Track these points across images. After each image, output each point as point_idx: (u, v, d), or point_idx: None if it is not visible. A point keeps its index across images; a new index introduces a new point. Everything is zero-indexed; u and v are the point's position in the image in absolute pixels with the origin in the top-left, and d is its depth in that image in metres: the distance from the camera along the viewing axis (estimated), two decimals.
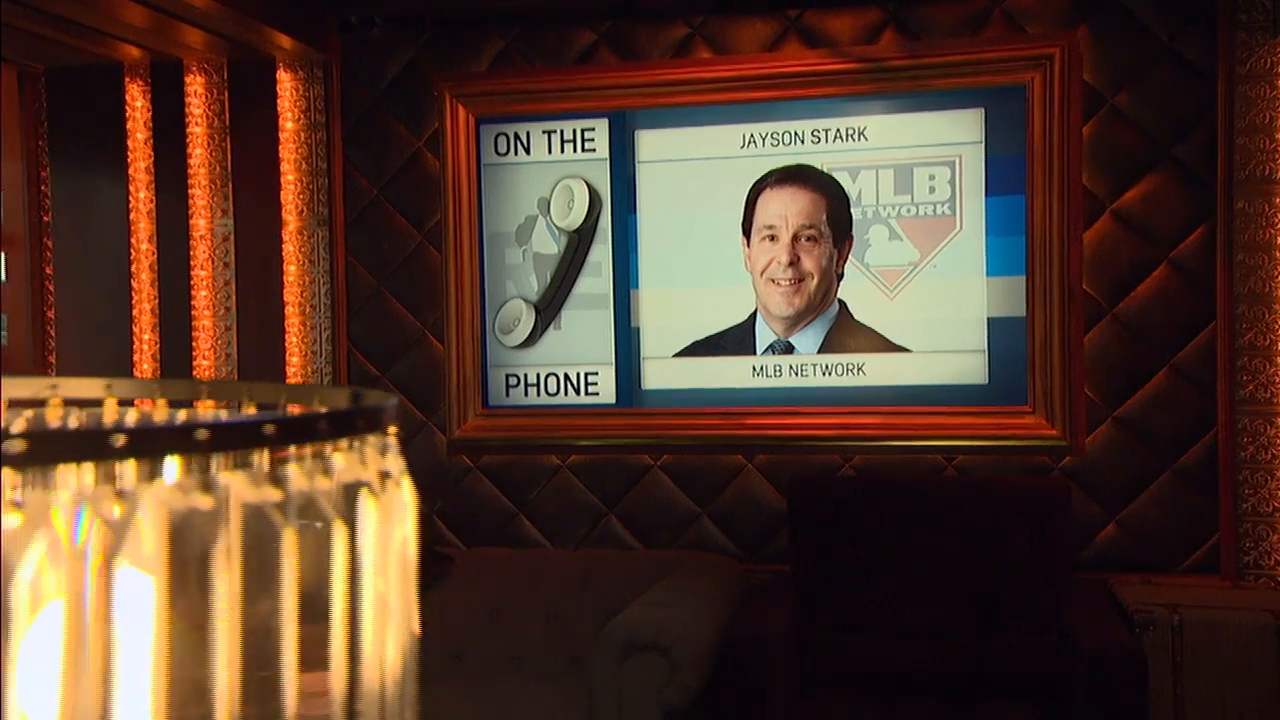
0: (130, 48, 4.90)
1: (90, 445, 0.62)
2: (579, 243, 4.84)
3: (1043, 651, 4.12)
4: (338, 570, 0.79)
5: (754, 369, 4.75)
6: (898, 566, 4.34)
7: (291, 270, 4.97)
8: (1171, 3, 4.39)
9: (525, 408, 4.91)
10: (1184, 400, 4.44)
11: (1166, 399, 4.45)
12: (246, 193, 5.04)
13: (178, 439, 0.66)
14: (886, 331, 4.64)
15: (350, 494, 0.83)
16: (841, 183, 4.65)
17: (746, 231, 4.72)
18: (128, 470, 0.65)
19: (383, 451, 0.89)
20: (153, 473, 0.66)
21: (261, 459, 0.77)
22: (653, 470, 4.84)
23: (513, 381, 4.93)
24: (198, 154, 5.00)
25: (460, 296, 4.89)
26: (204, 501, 0.67)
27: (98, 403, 1.03)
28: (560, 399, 4.89)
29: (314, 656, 0.80)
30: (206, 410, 1.09)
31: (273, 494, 0.71)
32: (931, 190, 4.58)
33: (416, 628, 0.92)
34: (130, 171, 5.07)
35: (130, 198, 5.08)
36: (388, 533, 0.86)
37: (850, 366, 4.67)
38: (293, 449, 0.79)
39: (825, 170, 4.66)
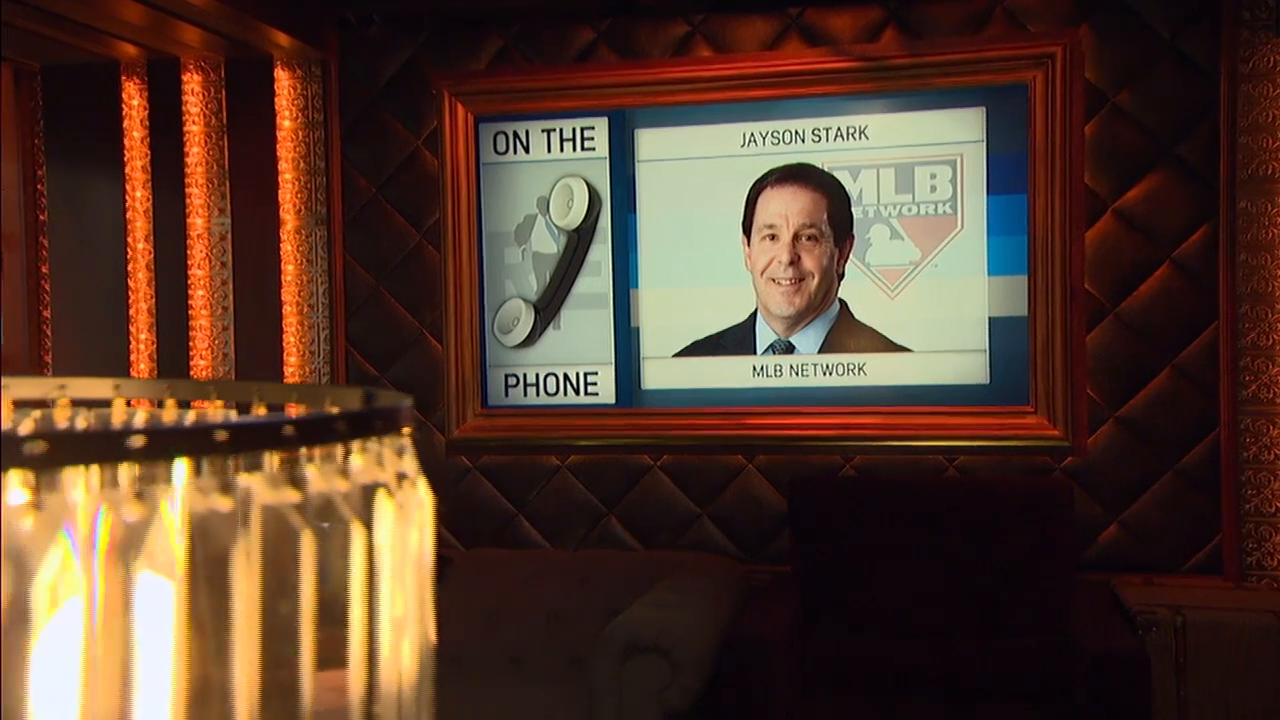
0: (127, 45, 4.88)
1: (110, 446, 0.60)
2: (578, 242, 4.82)
3: (1045, 652, 4.10)
4: (356, 572, 0.78)
5: (754, 369, 4.73)
6: (899, 567, 4.33)
7: (289, 269, 4.95)
8: (1173, 1, 4.38)
9: (524, 408, 4.89)
10: (1186, 400, 4.42)
11: (1169, 399, 4.43)
12: (244, 191, 5.01)
13: (197, 440, 0.64)
14: (887, 331, 4.62)
15: (367, 496, 0.81)
16: (842, 182, 4.63)
17: (747, 231, 4.70)
18: (135, 472, 0.63)
19: (399, 453, 0.87)
20: (165, 475, 0.64)
21: (271, 460, 0.75)
22: (653, 470, 4.82)
23: (512, 381, 4.90)
24: (195, 152, 4.97)
25: (459, 296, 4.87)
26: (223, 503, 0.65)
27: (102, 403, 1.01)
28: (560, 399, 4.87)
29: (331, 658, 0.79)
30: (203, 410, 1.07)
31: (292, 495, 0.69)
32: (933, 189, 4.56)
33: (433, 634, 0.91)
34: (127, 170, 5.04)
35: (127, 196, 5.05)
36: (405, 534, 0.84)
37: (851, 366, 4.65)
38: (302, 450, 0.77)
39: (826, 169, 4.64)
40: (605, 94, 4.77)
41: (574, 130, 4.81)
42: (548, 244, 4.85)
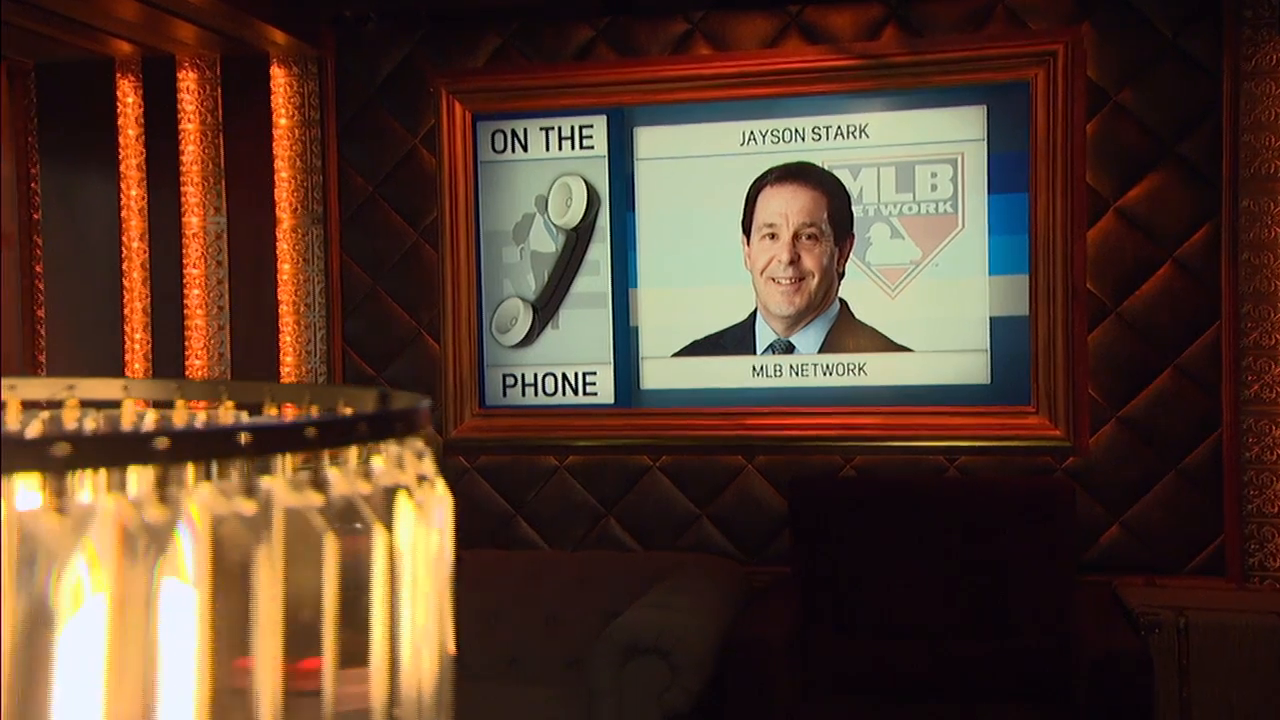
0: (122, 43, 4.84)
1: (133, 449, 0.58)
2: (577, 241, 4.80)
3: (1047, 654, 4.08)
4: (378, 575, 0.76)
5: (754, 369, 4.70)
6: (900, 568, 4.31)
7: (285, 269, 4.92)
8: None
9: (523, 408, 4.86)
10: (1188, 400, 4.40)
11: (1171, 399, 4.41)
12: (240, 190, 4.98)
13: (220, 442, 0.62)
14: (888, 331, 4.60)
15: (388, 498, 0.78)
16: (842, 180, 4.60)
17: (746, 230, 4.68)
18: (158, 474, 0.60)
19: (419, 455, 0.84)
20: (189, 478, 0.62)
21: (283, 462, 0.73)
22: (652, 471, 4.79)
23: (510, 381, 4.88)
24: (190, 150, 4.94)
25: (457, 295, 4.84)
26: (246, 506, 0.62)
27: (110, 403, 0.98)
28: (558, 399, 4.84)
29: (352, 659, 0.77)
30: (198, 411, 1.05)
31: (314, 498, 0.67)
32: (933, 188, 4.54)
33: (451, 637, 0.88)
34: (121, 168, 5.01)
35: (122, 195, 5.02)
36: (426, 536, 0.82)
37: (851, 366, 4.62)
38: (301, 454, 0.75)
39: (826, 168, 4.61)
40: (604, 92, 4.74)
41: (572, 129, 4.79)
42: (546, 243, 4.82)
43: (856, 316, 4.62)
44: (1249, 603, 4.15)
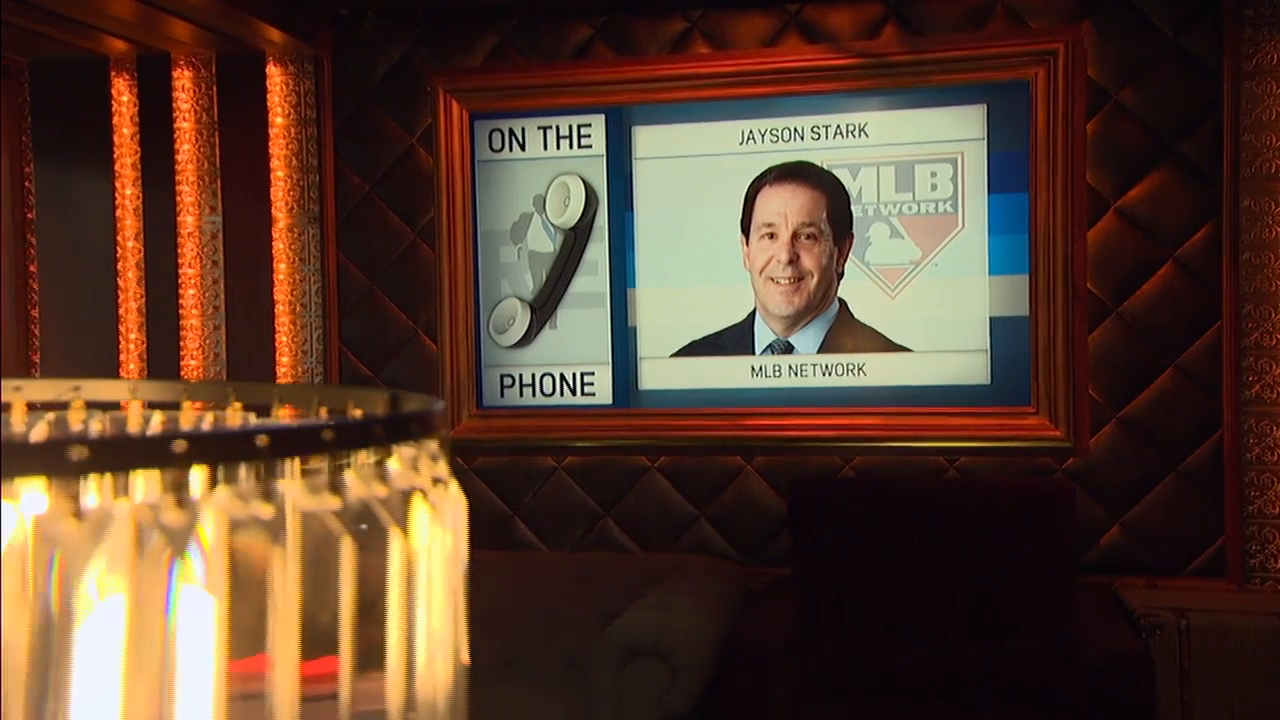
0: (116, 41, 4.81)
1: (152, 452, 0.56)
2: (575, 241, 4.77)
3: (1047, 655, 4.06)
4: (394, 578, 0.74)
5: (753, 369, 4.68)
6: (899, 569, 4.29)
7: (281, 268, 4.89)
8: None
9: (520, 408, 4.84)
10: (1189, 401, 4.39)
11: (1171, 399, 4.40)
12: (235, 189, 4.95)
13: (238, 445, 0.60)
14: (887, 331, 4.58)
15: (404, 500, 0.77)
16: (842, 180, 4.58)
17: (745, 229, 4.66)
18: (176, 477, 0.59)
19: (434, 457, 0.82)
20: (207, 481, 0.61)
21: (294, 466, 0.71)
22: (650, 472, 4.77)
23: (508, 382, 4.85)
24: (185, 149, 4.91)
25: (454, 295, 4.82)
26: (264, 510, 0.61)
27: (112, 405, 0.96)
28: (556, 399, 4.82)
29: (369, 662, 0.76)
30: (205, 413, 1.03)
31: (331, 502, 0.65)
32: (933, 187, 4.52)
33: (466, 649, 0.87)
34: (116, 167, 4.98)
35: (116, 194, 4.99)
36: (442, 539, 0.80)
37: (850, 366, 4.60)
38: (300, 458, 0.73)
39: (825, 167, 4.59)
40: (602, 91, 4.72)
41: (570, 128, 4.76)
42: (544, 243, 4.80)
43: (856, 317, 4.60)
44: (1250, 604, 4.13)
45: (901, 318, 4.57)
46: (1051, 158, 4.39)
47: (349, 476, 0.69)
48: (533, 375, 4.83)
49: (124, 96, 4.98)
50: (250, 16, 4.47)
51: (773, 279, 4.63)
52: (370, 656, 0.76)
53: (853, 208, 4.58)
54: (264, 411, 0.95)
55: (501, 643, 4.38)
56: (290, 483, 0.65)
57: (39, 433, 0.84)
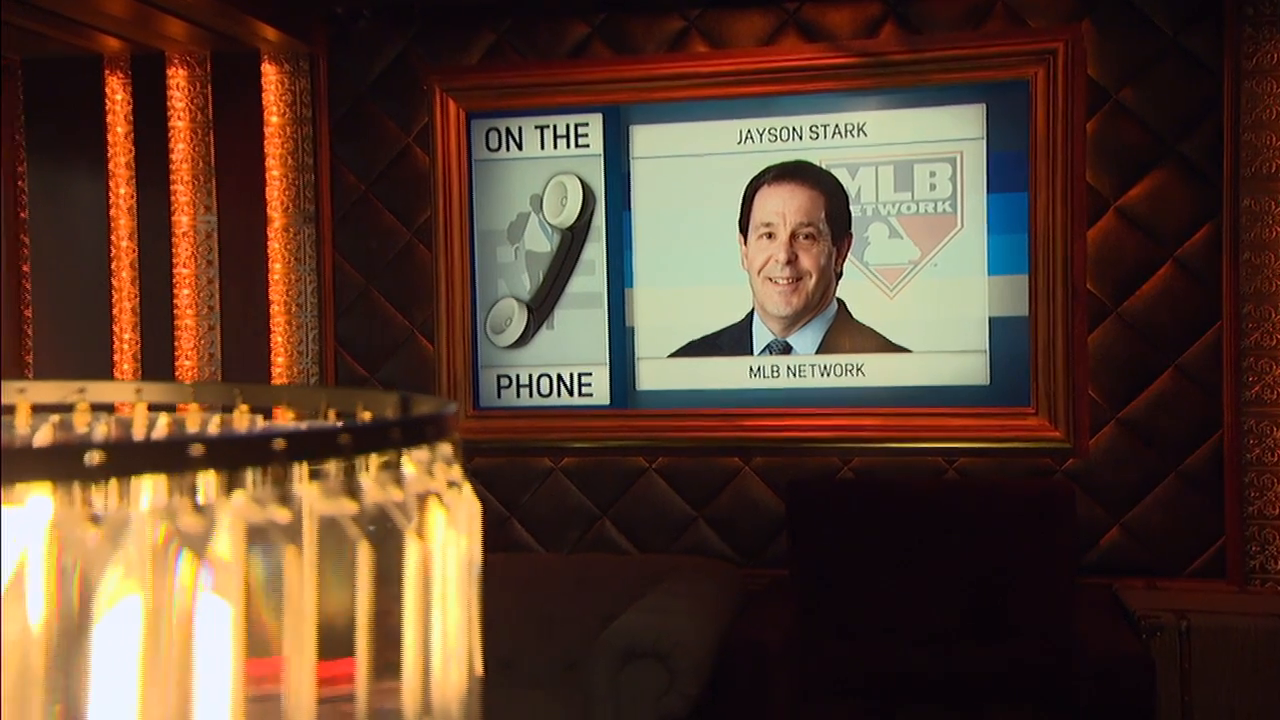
0: (110, 39, 4.78)
1: (169, 456, 0.54)
2: (572, 240, 4.75)
3: (1047, 657, 4.05)
4: (410, 581, 0.72)
5: (751, 369, 4.66)
6: (898, 571, 4.27)
7: (277, 268, 4.86)
8: None
9: (517, 409, 4.82)
10: (1189, 401, 4.37)
11: (1171, 400, 4.38)
12: (230, 189, 4.92)
13: (255, 449, 0.58)
14: (886, 331, 4.56)
15: (420, 504, 0.75)
16: (840, 179, 4.57)
17: (743, 229, 4.64)
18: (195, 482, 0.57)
19: (448, 461, 0.80)
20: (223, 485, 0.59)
21: (302, 470, 0.69)
22: (648, 473, 4.75)
23: (504, 382, 4.83)
24: (180, 149, 4.88)
25: (450, 295, 4.79)
26: (281, 515, 0.59)
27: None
28: (553, 400, 4.80)
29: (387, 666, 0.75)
30: (187, 415, 1.01)
31: (349, 506, 0.63)
32: (932, 187, 4.50)
33: (480, 654, 0.84)
34: (110, 166, 4.95)
35: (110, 193, 4.96)
36: (457, 542, 0.78)
37: (849, 367, 4.59)
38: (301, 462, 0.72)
39: (824, 167, 4.58)
40: (599, 90, 4.69)
41: (568, 127, 4.74)
42: (541, 242, 4.78)
43: (854, 317, 4.58)
44: (1250, 606, 4.12)
45: (900, 318, 4.55)
46: (1051, 157, 4.37)
47: (365, 480, 0.66)
48: (530, 376, 4.81)
49: (118, 95, 4.95)
50: (245, 15, 4.45)
51: (771, 279, 4.61)
52: (385, 661, 0.74)
53: (851, 207, 4.56)
54: (267, 413, 0.93)
55: (499, 644, 4.36)
56: (307, 487, 0.63)
57: (44, 435, 0.82)
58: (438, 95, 4.77)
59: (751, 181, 4.62)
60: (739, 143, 4.63)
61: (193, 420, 0.89)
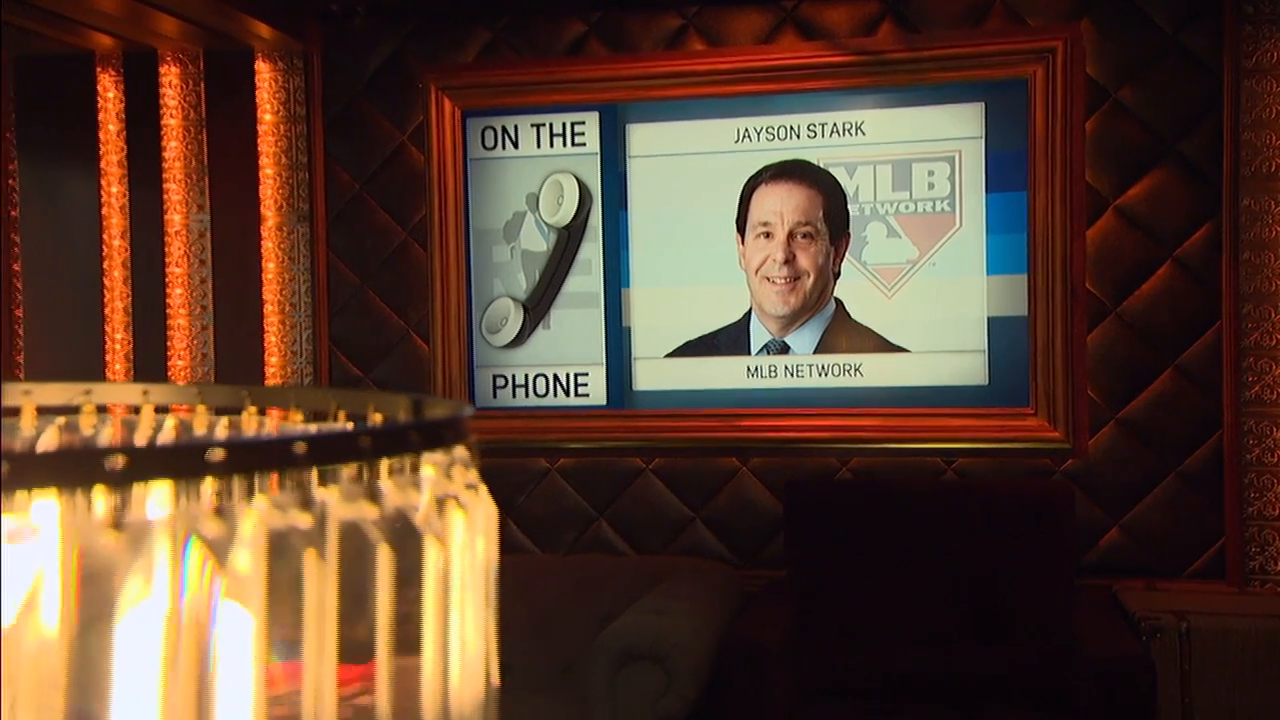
0: (102, 36, 4.75)
1: (188, 461, 0.52)
2: (569, 240, 4.72)
3: (1047, 659, 4.03)
4: (429, 585, 0.70)
5: (748, 369, 4.64)
6: (897, 572, 4.25)
7: (270, 268, 4.83)
8: None
9: (513, 409, 4.79)
10: (1189, 401, 4.36)
11: (1171, 400, 4.37)
12: (223, 187, 4.89)
13: (275, 453, 0.56)
14: (884, 331, 4.54)
15: (438, 507, 0.72)
16: (838, 178, 4.54)
17: (741, 228, 4.61)
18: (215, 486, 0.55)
19: (465, 464, 0.77)
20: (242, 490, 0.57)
21: (308, 475, 0.67)
22: (644, 473, 4.72)
23: (500, 382, 4.80)
24: (173, 147, 4.85)
25: (446, 295, 4.76)
26: (303, 520, 0.56)
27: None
28: (549, 400, 4.77)
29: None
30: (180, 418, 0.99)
31: (369, 510, 0.61)
32: (930, 186, 4.48)
33: (496, 673, 0.82)
34: (102, 165, 4.91)
35: (102, 192, 4.92)
36: (474, 545, 0.76)
37: (847, 367, 4.56)
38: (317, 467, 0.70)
39: (822, 166, 4.55)
40: (596, 88, 4.67)
41: (564, 125, 4.71)
42: (537, 242, 4.75)
43: (852, 317, 4.56)
44: (1250, 607, 4.10)
45: (899, 318, 4.53)
46: (1050, 156, 4.35)
47: (386, 484, 0.64)
48: (526, 376, 4.78)
49: (110, 93, 4.91)
50: (238, 12, 4.41)
51: (768, 278, 4.59)
52: (404, 665, 0.72)
53: (849, 207, 4.54)
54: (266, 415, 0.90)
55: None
56: (328, 491, 0.61)
57: (50, 438, 0.79)
58: (433, 93, 4.74)
59: (749, 180, 4.60)
60: (736, 141, 4.60)
61: (199, 422, 0.86)
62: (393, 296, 4.86)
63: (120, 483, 0.52)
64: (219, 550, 0.56)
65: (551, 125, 4.72)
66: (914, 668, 4.10)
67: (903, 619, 4.20)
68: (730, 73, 4.56)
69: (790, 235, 4.57)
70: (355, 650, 0.69)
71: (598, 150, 4.69)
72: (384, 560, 0.64)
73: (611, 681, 3.78)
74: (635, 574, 4.44)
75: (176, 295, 4.86)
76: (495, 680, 0.82)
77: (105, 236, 4.92)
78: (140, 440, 0.81)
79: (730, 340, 4.65)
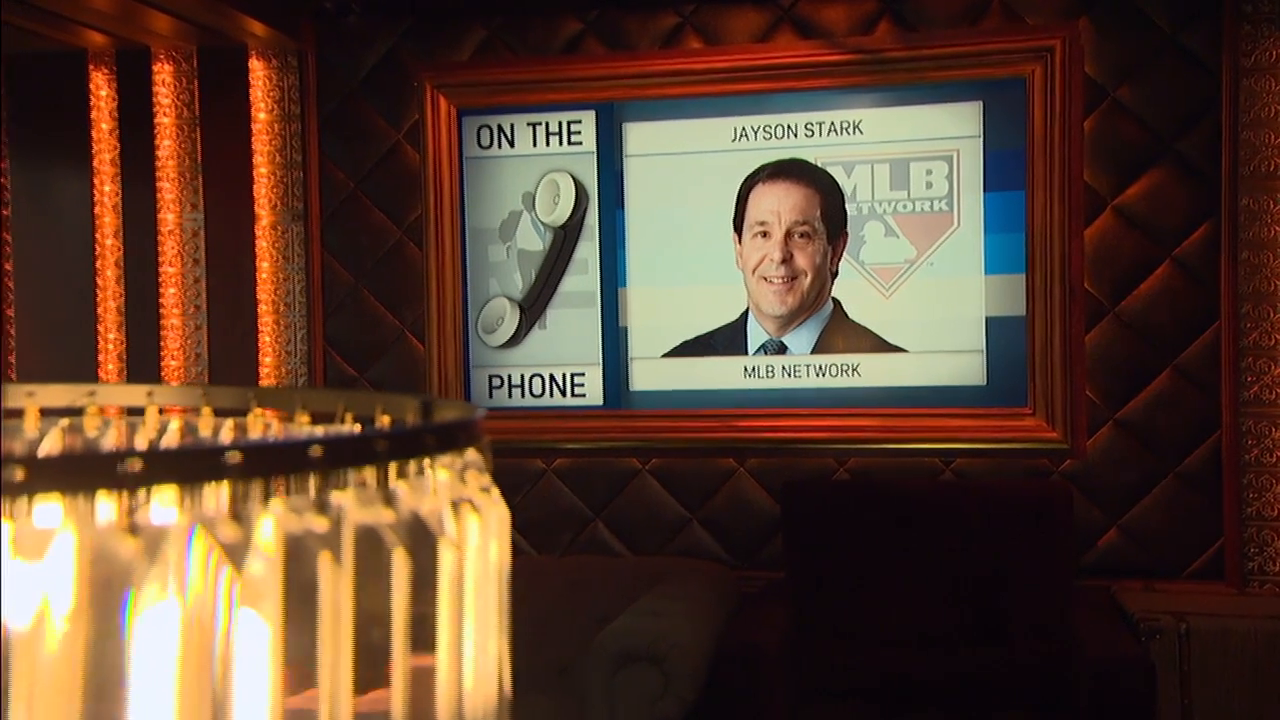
0: (95, 34, 4.72)
1: (205, 465, 0.50)
2: (565, 239, 4.70)
3: (1046, 660, 4.02)
4: (444, 588, 0.68)
5: (746, 369, 4.62)
6: (894, 573, 4.23)
7: (264, 267, 4.81)
8: None
9: (509, 410, 4.77)
10: (1187, 402, 4.35)
11: (1169, 400, 4.36)
12: (217, 186, 4.87)
13: (292, 457, 0.54)
14: (882, 331, 4.52)
15: (453, 510, 0.70)
16: (836, 178, 4.53)
17: (738, 228, 4.59)
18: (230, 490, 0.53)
19: (479, 468, 0.75)
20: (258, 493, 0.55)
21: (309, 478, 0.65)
22: (641, 474, 4.70)
23: (496, 383, 4.78)
24: (166, 145, 4.82)
25: (441, 294, 4.74)
26: (319, 524, 0.55)
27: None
28: (545, 400, 4.75)
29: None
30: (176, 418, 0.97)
31: (386, 514, 0.59)
32: (928, 185, 4.47)
33: (508, 685, 0.81)
34: (95, 163, 4.89)
35: (95, 191, 4.90)
36: (487, 548, 0.74)
37: (845, 367, 4.55)
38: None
39: (819, 165, 4.54)
40: (592, 87, 4.65)
41: (560, 124, 4.69)
42: (533, 241, 4.73)
43: (850, 316, 4.54)
44: (1249, 608, 4.10)
45: (896, 318, 4.51)
46: (1048, 156, 4.34)
47: (401, 487, 0.62)
48: (522, 376, 4.76)
49: (103, 91, 4.88)
50: (232, 9, 4.39)
51: (766, 278, 4.57)
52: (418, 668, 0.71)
53: (847, 206, 4.52)
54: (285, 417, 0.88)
55: None
56: (344, 494, 0.59)
57: (53, 440, 0.77)
58: (428, 92, 4.72)
59: (746, 180, 4.58)
60: (733, 140, 4.59)
61: (204, 424, 0.84)
62: (388, 296, 4.83)
63: (136, 487, 0.50)
64: (235, 554, 0.54)
65: (548, 124, 4.70)
66: (912, 669, 4.09)
67: (901, 620, 4.19)
68: (727, 71, 4.55)
69: (787, 235, 4.55)
70: (370, 653, 0.68)
71: (594, 149, 4.67)
72: (400, 564, 0.62)
73: (609, 683, 3.76)
74: (632, 575, 4.42)
75: (170, 295, 4.84)
76: (507, 686, 0.80)
77: (98, 236, 4.90)
78: (143, 443, 0.79)
79: (727, 340, 4.63)
